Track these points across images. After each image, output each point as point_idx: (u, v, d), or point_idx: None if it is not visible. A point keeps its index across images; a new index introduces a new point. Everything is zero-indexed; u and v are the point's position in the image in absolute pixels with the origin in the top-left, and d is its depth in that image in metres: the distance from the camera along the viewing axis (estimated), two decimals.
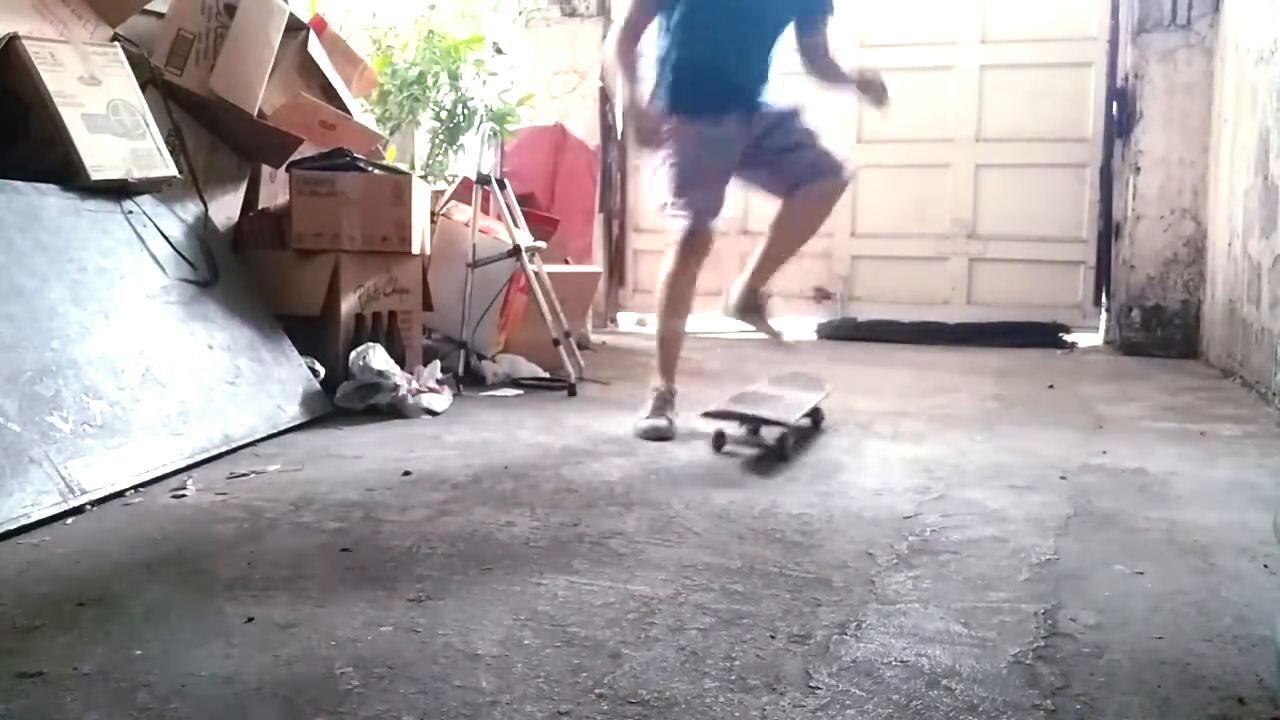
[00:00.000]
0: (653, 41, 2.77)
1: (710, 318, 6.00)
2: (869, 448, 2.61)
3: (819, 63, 2.84)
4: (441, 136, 5.04)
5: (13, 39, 2.47)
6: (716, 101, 2.72)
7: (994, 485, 2.20)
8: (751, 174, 2.83)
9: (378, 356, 2.92)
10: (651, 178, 2.84)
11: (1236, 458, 2.54)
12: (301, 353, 2.90)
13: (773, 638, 1.34)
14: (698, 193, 2.75)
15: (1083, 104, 5.43)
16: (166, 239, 2.69)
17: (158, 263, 2.62)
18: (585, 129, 5.72)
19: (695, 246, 2.80)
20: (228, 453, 2.35)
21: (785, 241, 2.91)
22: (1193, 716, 1.14)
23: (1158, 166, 4.94)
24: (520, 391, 3.46)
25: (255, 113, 3.10)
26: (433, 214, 3.69)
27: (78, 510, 1.86)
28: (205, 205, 2.96)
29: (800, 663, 1.26)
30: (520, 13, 5.96)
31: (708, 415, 2.60)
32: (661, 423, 2.70)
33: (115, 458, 2.04)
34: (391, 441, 2.58)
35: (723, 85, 2.72)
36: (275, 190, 3.48)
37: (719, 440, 2.56)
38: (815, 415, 2.81)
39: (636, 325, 6.14)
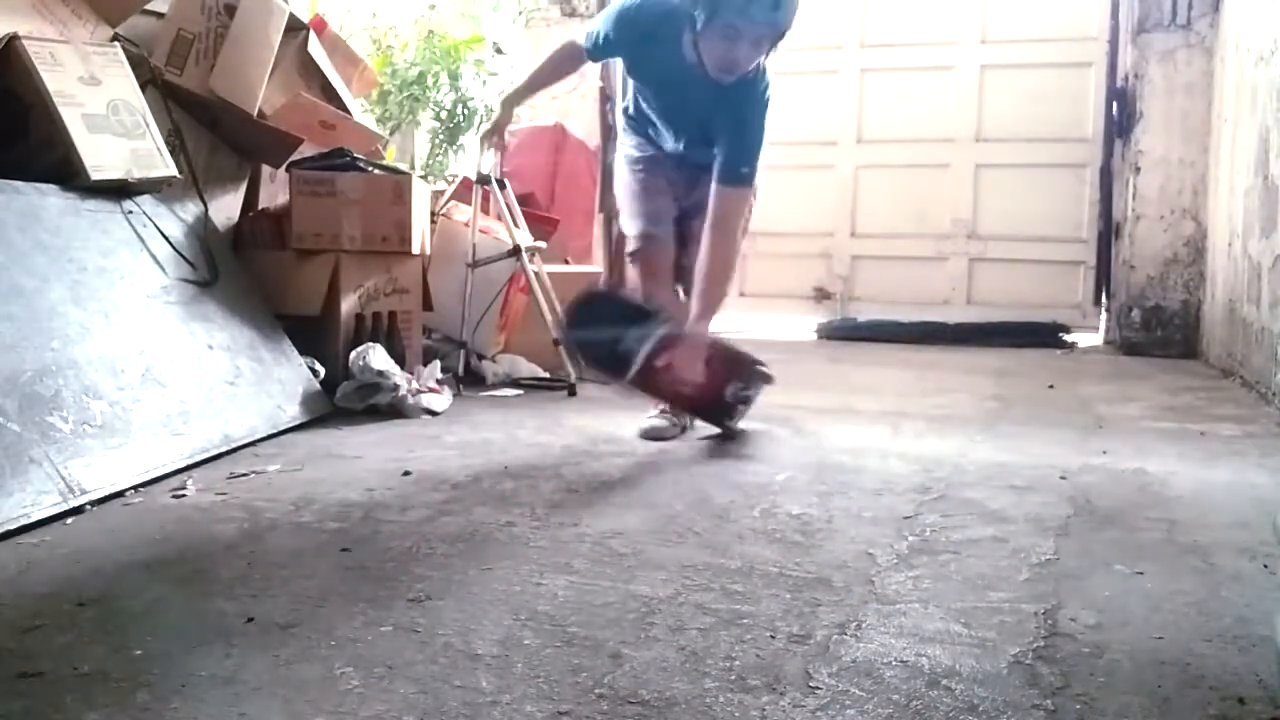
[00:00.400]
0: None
1: None
2: (869, 448, 2.60)
3: (712, 207, 2.60)
4: (441, 136, 5.04)
5: (13, 39, 2.47)
6: (657, 145, 2.78)
7: (994, 485, 2.20)
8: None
9: (378, 356, 2.92)
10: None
11: (1236, 458, 2.54)
12: (301, 353, 2.90)
13: (773, 638, 1.34)
14: (640, 206, 2.76)
15: (1083, 104, 5.43)
16: (166, 239, 2.69)
17: (158, 263, 2.62)
18: (585, 129, 5.72)
19: (644, 262, 2.78)
20: (228, 453, 2.36)
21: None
22: (1193, 716, 1.14)
23: (1158, 166, 4.94)
24: (520, 391, 3.46)
25: (255, 113, 3.10)
26: (433, 214, 3.69)
27: (78, 510, 1.86)
28: (205, 205, 2.96)
29: (800, 663, 1.26)
30: (520, 13, 5.96)
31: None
32: (663, 424, 2.71)
33: (115, 458, 2.04)
34: (391, 441, 2.58)
35: (664, 144, 2.75)
36: (275, 190, 3.48)
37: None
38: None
39: None
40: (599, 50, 2.72)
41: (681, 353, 2.53)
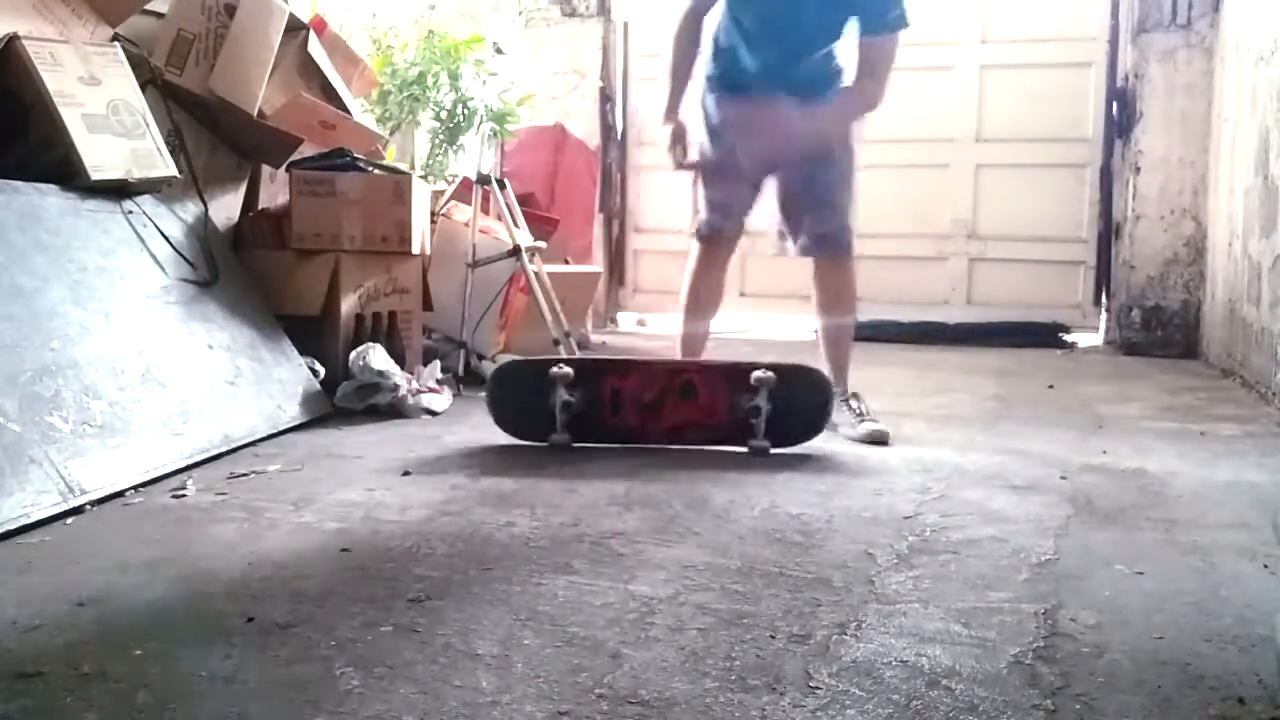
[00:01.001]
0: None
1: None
2: (869, 448, 2.60)
3: (862, 57, 2.62)
4: (441, 136, 5.04)
5: (13, 39, 2.47)
6: (752, 80, 2.66)
7: (994, 485, 2.20)
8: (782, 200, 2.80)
9: (378, 356, 2.92)
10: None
11: (1236, 458, 2.54)
12: (301, 353, 2.90)
13: (773, 638, 1.34)
14: (720, 188, 2.72)
15: (1083, 104, 5.42)
16: (166, 239, 2.69)
17: (158, 263, 2.62)
18: (585, 129, 5.72)
19: (710, 247, 2.80)
20: (228, 453, 2.35)
21: (822, 324, 2.97)
22: (1193, 716, 1.14)
23: (1158, 166, 4.94)
24: None
25: (255, 113, 3.10)
26: (433, 214, 3.69)
27: (78, 510, 1.86)
28: (205, 205, 2.96)
29: (800, 663, 1.26)
30: (520, 13, 5.96)
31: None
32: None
33: (115, 458, 2.04)
34: (391, 441, 2.58)
35: (761, 70, 2.65)
36: (275, 190, 3.48)
37: None
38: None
39: (636, 325, 6.14)
40: None
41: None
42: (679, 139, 2.74)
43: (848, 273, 2.94)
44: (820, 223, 2.79)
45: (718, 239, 2.78)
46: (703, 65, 2.74)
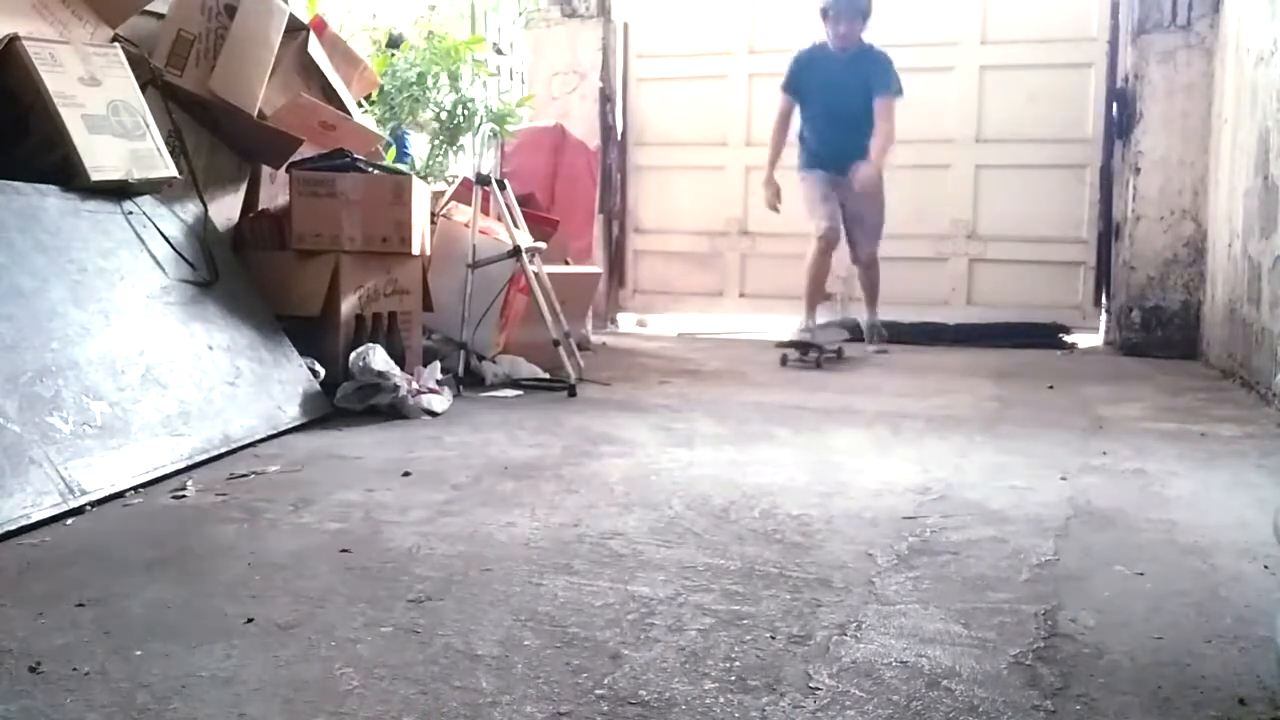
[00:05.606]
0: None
1: (710, 319, 6.03)
2: (869, 448, 2.60)
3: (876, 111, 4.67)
4: (442, 137, 5.04)
5: (13, 39, 2.47)
6: (819, 160, 4.83)
7: (994, 485, 2.20)
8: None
9: (378, 357, 2.92)
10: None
11: (1236, 458, 2.54)
12: (301, 353, 2.90)
13: (773, 638, 1.34)
14: (821, 209, 4.77)
15: (1083, 104, 5.43)
16: (166, 239, 2.69)
17: (158, 263, 2.62)
18: (585, 129, 5.72)
19: (825, 245, 4.78)
20: (228, 453, 2.35)
21: (866, 296, 5.16)
22: (1193, 716, 1.14)
23: (1158, 167, 4.94)
24: (520, 392, 3.46)
25: (255, 113, 3.10)
26: (433, 214, 3.69)
27: (78, 511, 1.86)
28: (205, 206, 2.96)
29: (800, 663, 1.26)
30: (520, 13, 5.96)
31: (780, 345, 4.44)
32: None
33: (115, 458, 2.04)
34: (391, 442, 2.58)
35: (824, 151, 4.82)
36: (275, 191, 3.48)
37: (784, 359, 4.35)
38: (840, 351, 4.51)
39: (636, 326, 6.15)
40: (786, 85, 4.90)
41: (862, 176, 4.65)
42: (774, 193, 4.95)
43: (876, 269, 5.08)
44: (865, 247, 5.00)
45: (833, 235, 4.79)
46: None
